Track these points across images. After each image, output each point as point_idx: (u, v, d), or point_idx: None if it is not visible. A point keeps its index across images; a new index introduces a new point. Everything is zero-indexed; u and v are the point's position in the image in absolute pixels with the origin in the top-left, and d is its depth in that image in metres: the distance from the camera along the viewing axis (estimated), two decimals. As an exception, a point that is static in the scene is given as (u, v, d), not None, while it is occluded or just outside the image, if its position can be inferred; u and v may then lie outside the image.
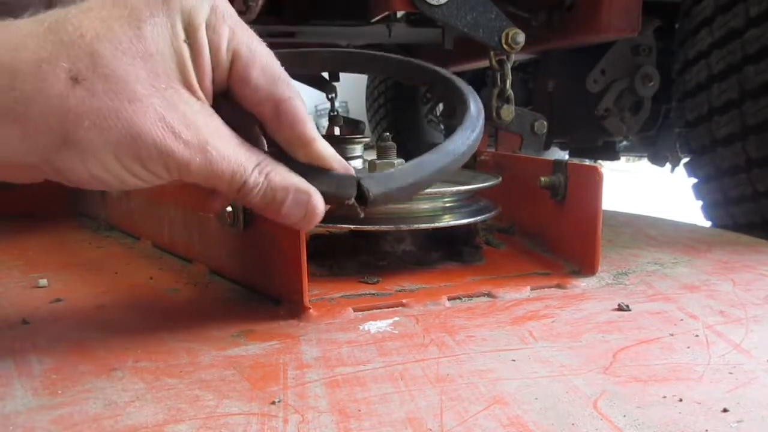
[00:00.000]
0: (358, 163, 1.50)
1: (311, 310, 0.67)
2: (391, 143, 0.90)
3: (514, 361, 0.54)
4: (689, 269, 0.83)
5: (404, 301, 0.70)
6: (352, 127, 2.21)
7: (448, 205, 0.86)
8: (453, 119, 2.11)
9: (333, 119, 2.26)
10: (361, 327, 0.64)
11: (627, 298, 0.71)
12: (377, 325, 0.64)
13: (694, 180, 1.25)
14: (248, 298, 0.74)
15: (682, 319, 0.64)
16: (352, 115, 5.42)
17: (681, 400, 0.47)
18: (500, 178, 0.91)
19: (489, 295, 0.73)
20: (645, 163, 2.31)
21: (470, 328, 0.63)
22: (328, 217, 0.85)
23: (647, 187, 3.91)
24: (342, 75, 2.19)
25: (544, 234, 0.90)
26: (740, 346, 0.57)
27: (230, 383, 0.51)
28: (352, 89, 4.29)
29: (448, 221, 0.83)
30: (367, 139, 1.64)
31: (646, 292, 0.73)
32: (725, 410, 0.45)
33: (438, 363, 0.54)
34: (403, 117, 2.59)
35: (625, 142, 1.81)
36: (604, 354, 0.56)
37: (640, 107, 1.52)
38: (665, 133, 1.72)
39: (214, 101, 0.50)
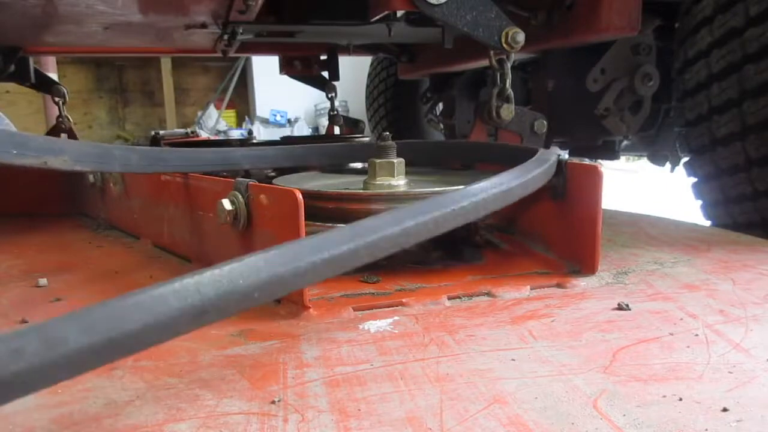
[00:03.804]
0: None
1: (311, 310, 0.67)
2: (391, 142, 0.90)
3: (513, 360, 0.54)
4: (689, 268, 0.83)
5: (404, 300, 0.70)
6: (352, 126, 2.21)
7: (447, 204, 0.86)
8: (452, 119, 2.11)
9: (333, 118, 2.26)
10: (360, 326, 0.64)
11: (627, 297, 0.71)
12: (377, 325, 0.64)
13: (694, 179, 1.25)
14: (248, 298, 0.74)
15: (681, 319, 0.64)
16: (352, 114, 5.42)
17: (681, 399, 0.47)
18: (500, 178, 0.91)
19: (489, 294, 0.73)
20: (645, 162, 2.31)
21: (470, 327, 0.63)
22: (326, 217, 0.86)
23: (647, 186, 3.91)
24: (342, 74, 2.19)
25: (544, 233, 0.90)
26: (740, 345, 0.57)
27: (230, 382, 0.51)
28: (352, 88, 4.29)
29: (447, 220, 0.83)
30: (366, 139, 1.64)
31: (645, 292, 0.73)
32: (725, 409, 0.45)
33: (438, 362, 0.54)
34: (403, 116, 2.59)
35: (624, 142, 1.80)
36: (604, 353, 0.56)
37: (639, 106, 1.52)
38: (665, 132, 1.72)
39: None
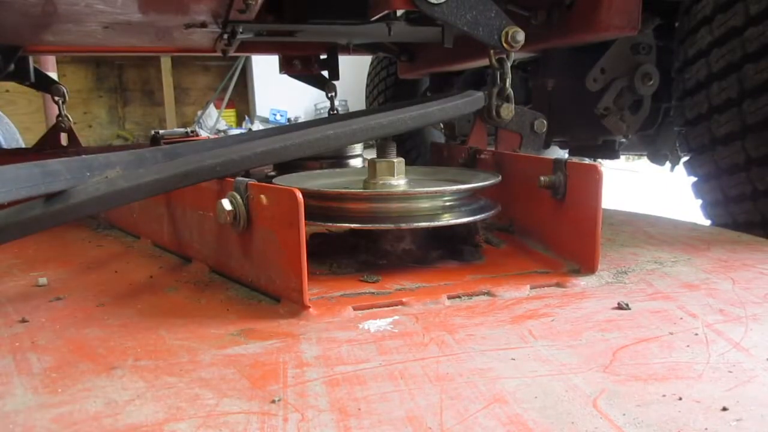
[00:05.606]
0: (358, 162, 1.50)
1: (311, 309, 0.67)
2: (390, 142, 0.90)
3: (513, 359, 0.54)
4: (689, 268, 0.83)
5: (404, 299, 0.70)
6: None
7: (447, 203, 0.86)
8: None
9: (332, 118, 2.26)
10: (360, 326, 0.64)
11: (627, 296, 0.71)
12: (377, 324, 0.64)
13: (694, 178, 1.25)
14: (248, 297, 0.74)
15: (681, 318, 0.64)
16: (352, 113, 5.39)
17: (680, 398, 0.47)
18: (500, 177, 0.91)
19: (489, 293, 0.73)
20: (645, 161, 2.31)
21: (470, 326, 0.63)
22: (327, 216, 0.86)
23: (647, 186, 3.91)
24: (342, 73, 2.19)
25: (544, 233, 0.90)
26: (740, 344, 0.57)
27: (230, 382, 0.51)
28: (352, 88, 4.29)
29: (447, 220, 0.83)
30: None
31: (645, 291, 0.73)
32: (725, 409, 0.45)
33: (438, 362, 0.54)
34: (403, 116, 2.59)
35: (624, 141, 1.80)
36: (604, 353, 0.56)
37: (639, 106, 1.51)
38: (665, 131, 1.72)
39: None
